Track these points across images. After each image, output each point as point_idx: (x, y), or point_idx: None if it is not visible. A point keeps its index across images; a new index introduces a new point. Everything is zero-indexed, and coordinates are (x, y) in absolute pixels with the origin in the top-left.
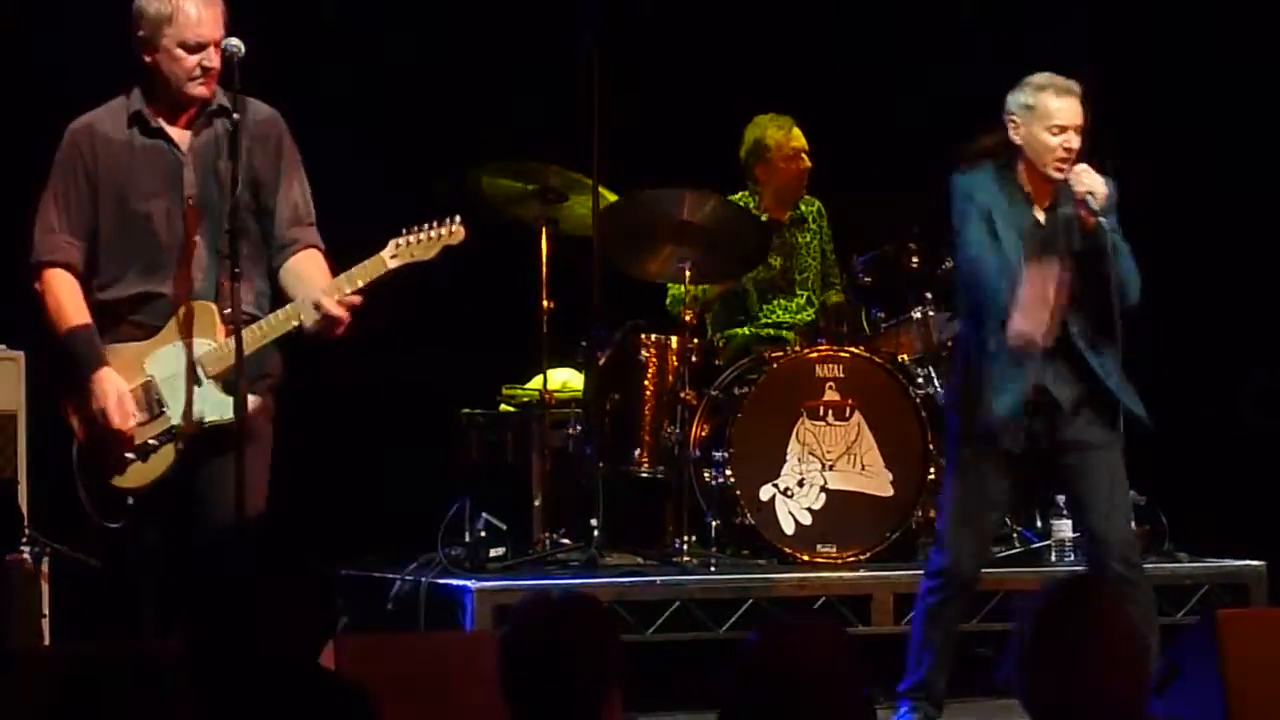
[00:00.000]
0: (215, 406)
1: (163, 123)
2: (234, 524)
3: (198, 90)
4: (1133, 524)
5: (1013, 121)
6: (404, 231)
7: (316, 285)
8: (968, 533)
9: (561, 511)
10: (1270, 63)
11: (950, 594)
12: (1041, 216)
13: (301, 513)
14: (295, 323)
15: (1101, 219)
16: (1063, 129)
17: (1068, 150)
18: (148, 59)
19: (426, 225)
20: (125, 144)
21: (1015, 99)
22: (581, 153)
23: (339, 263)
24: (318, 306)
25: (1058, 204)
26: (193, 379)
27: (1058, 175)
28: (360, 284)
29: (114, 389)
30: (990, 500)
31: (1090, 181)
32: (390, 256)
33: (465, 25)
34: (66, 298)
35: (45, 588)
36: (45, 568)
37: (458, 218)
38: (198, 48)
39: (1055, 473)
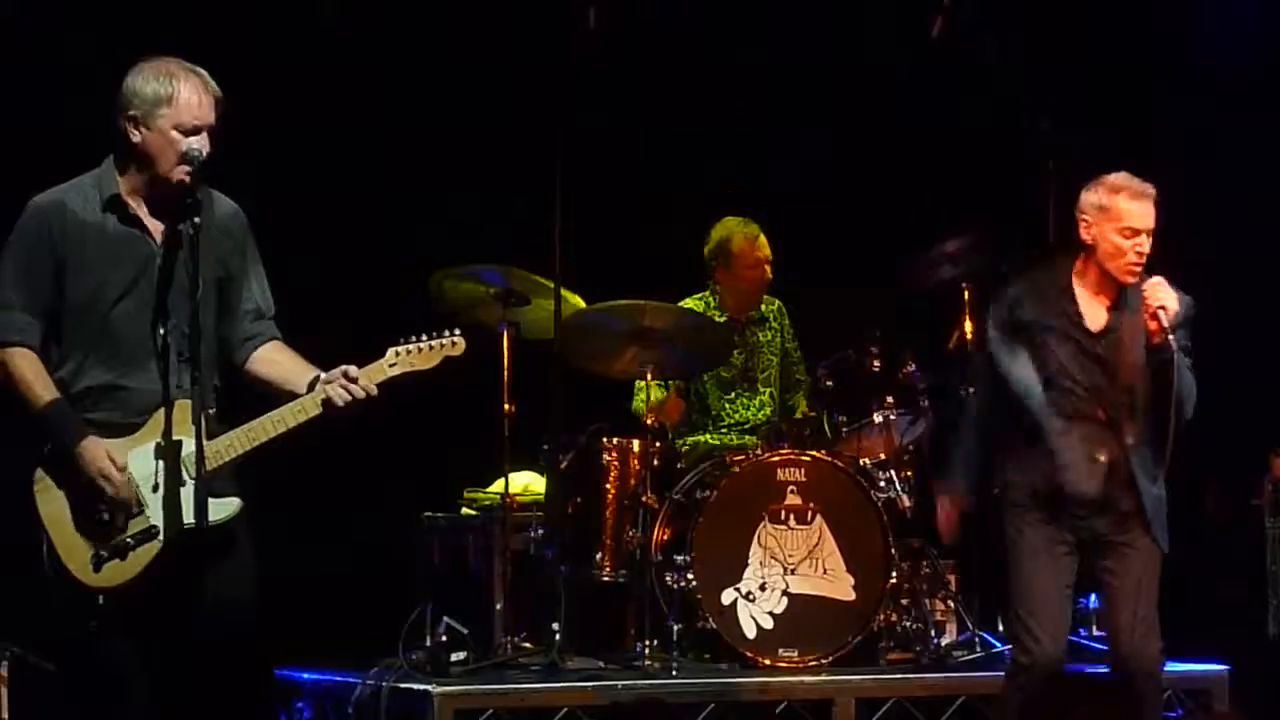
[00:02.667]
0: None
1: (139, 209)
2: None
3: (182, 175)
4: (1156, 636)
5: (1084, 220)
6: (402, 340)
7: (300, 371)
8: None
9: (523, 615)
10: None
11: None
12: (1104, 317)
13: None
14: (316, 412)
15: (1171, 336)
16: (1135, 232)
17: (1139, 254)
18: (135, 138)
19: (425, 336)
20: (97, 228)
21: (1089, 198)
22: (544, 256)
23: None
24: (346, 380)
25: (1122, 304)
26: (177, 479)
27: (1129, 279)
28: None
29: (104, 453)
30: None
31: (1164, 296)
32: (389, 365)
33: (432, 126)
34: (34, 375)
35: (4, 691)
36: (4, 671)
37: (458, 330)
38: (193, 131)
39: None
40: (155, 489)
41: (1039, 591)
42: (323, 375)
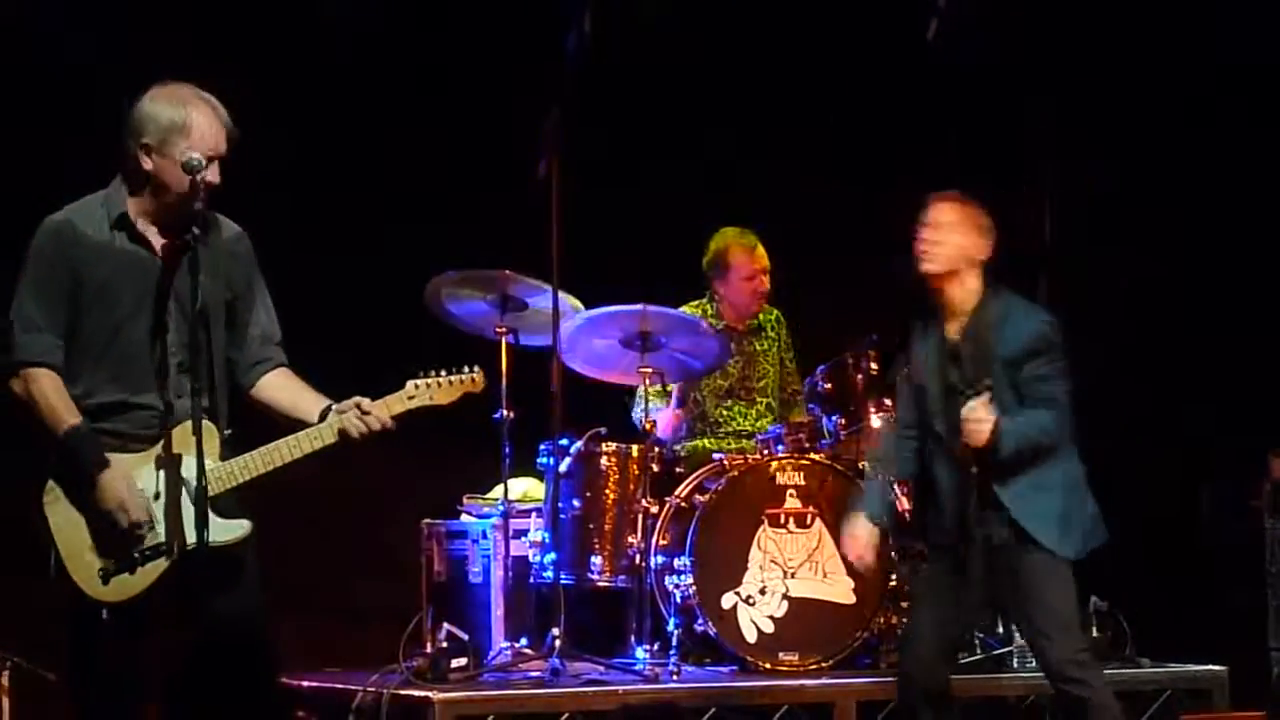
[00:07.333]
0: (212, 528)
1: (146, 230)
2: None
3: (198, 204)
4: (1075, 635)
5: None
6: (421, 374)
7: (310, 400)
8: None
9: (523, 621)
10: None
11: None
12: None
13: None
14: (332, 440)
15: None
16: None
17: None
18: (148, 165)
19: (445, 370)
20: (107, 246)
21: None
22: (542, 260)
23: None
24: (364, 413)
25: (971, 327)
26: (188, 497)
27: None
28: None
29: (125, 483)
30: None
31: (976, 430)
32: (408, 397)
33: (428, 134)
34: (58, 397)
35: (5, 701)
36: (5, 680)
37: (476, 367)
38: (207, 161)
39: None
40: (163, 506)
41: None
42: (335, 406)
